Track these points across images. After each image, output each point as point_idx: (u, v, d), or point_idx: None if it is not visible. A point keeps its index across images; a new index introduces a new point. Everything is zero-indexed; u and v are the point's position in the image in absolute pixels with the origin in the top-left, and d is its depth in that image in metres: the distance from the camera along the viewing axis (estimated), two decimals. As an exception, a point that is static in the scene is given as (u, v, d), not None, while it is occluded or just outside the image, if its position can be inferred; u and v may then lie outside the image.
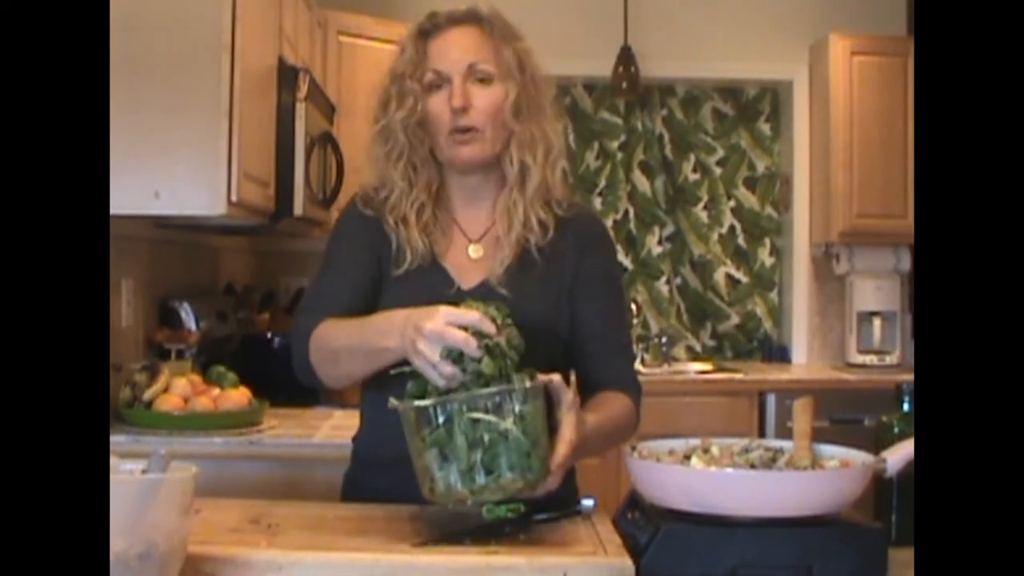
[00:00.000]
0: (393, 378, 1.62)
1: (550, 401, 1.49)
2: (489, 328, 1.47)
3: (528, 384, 1.44)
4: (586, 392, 1.68)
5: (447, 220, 1.86)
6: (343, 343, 1.71)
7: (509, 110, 1.78)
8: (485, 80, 1.78)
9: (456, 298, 1.77)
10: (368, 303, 1.79)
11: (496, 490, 1.43)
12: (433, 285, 1.79)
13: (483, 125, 1.78)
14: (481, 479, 1.42)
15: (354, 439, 1.94)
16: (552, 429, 1.49)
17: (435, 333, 1.46)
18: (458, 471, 1.43)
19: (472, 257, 1.83)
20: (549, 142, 1.82)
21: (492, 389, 1.43)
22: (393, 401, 1.48)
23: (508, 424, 1.42)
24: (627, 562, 1.37)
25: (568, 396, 1.50)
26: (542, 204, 1.81)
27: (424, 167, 1.82)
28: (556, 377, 1.50)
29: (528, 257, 1.81)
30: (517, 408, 1.43)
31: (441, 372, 1.46)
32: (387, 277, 1.82)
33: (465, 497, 1.44)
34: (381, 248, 1.82)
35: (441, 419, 1.42)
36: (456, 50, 1.78)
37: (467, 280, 1.81)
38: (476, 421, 1.42)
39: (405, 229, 1.80)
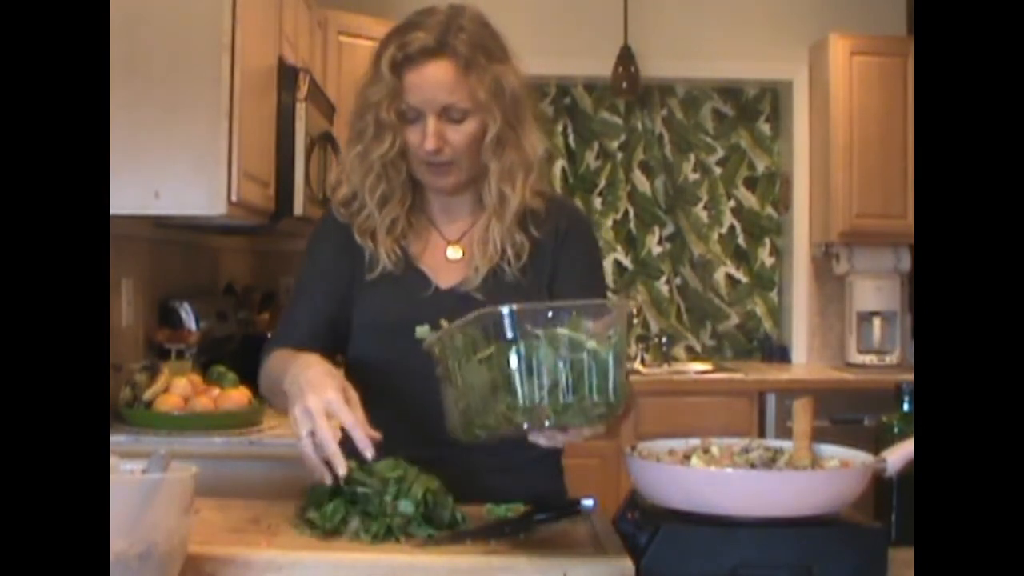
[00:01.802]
0: (376, 385, 1.62)
1: None
2: (364, 448, 1.48)
3: (616, 301, 1.39)
4: None
5: (423, 223, 1.86)
6: (270, 382, 1.75)
7: (487, 146, 1.77)
8: (460, 119, 1.75)
9: (434, 299, 1.79)
10: (333, 326, 1.82)
11: (579, 412, 1.35)
12: (410, 287, 1.81)
13: (458, 158, 1.77)
14: (568, 397, 1.34)
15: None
16: None
17: (311, 411, 1.50)
18: (544, 387, 1.33)
19: (450, 258, 1.84)
20: (528, 163, 1.80)
21: (580, 302, 1.37)
22: (425, 330, 1.46)
23: (595, 344, 1.35)
24: (627, 562, 1.37)
25: None
26: (519, 227, 1.81)
27: (399, 188, 1.83)
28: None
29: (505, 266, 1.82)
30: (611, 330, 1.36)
31: (298, 432, 1.49)
32: (362, 280, 1.82)
33: (547, 416, 1.34)
34: (358, 252, 1.83)
35: (529, 327, 1.33)
36: (430, 89, 1.73)
37: (444, 280, 1.82)
38: (564, 337, 1.34)
39: (374, 243, 1.82)
